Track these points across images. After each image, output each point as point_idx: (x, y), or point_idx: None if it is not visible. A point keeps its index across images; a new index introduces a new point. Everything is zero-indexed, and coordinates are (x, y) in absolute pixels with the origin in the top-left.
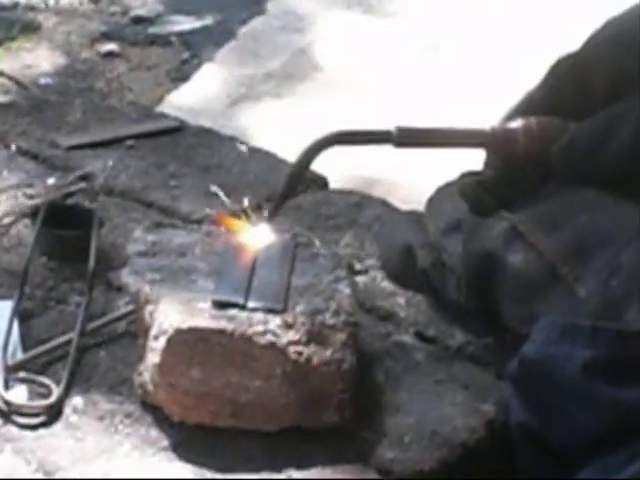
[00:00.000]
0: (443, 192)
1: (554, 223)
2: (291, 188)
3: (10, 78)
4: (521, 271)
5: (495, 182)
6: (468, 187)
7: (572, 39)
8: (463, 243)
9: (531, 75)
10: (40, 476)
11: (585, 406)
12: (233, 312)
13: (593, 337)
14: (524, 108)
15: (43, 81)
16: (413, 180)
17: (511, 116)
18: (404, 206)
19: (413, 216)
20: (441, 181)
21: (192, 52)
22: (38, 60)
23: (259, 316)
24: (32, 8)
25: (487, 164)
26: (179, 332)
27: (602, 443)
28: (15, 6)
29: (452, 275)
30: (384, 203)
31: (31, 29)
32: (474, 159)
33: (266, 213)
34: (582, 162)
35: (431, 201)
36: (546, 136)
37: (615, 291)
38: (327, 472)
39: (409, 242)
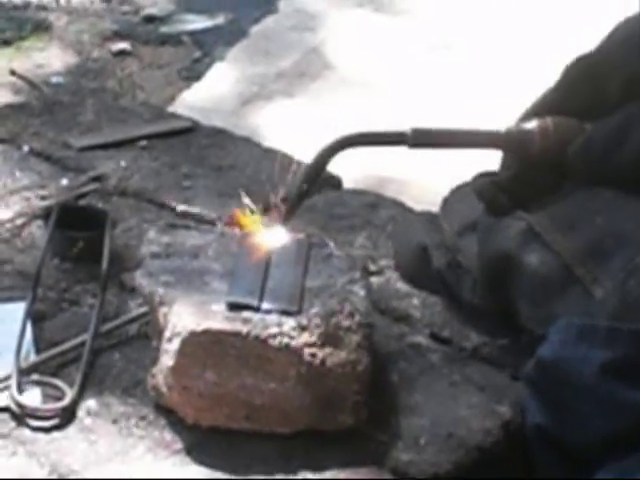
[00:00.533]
0: (458, 193)
1: (571, 224)
2: (305, 190)
3: (22, 78)
4: (538, 272)
5: (511, 182)
6: (484, 187)
7: (584, 37)
8: (479, 243)
9: (542, 74)
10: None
11: (602, 408)
12: (247, 314)
13: (610, 338)
14: (539, 109)
15: (55, 80)
16: (426, 180)
17: (526, 117)
18: (417, 206)
19: (427, 216)
20: (454, 181)
21: (204, 51)
22: (50, 59)
23: (273, 318)
24: (43, 7)
25: (503, 165)
26: (193, 334)
27: (618, 445)
28: (27, 6)
29: (467, 276)
30: (398, 203)
31: (43, 28)
32: (487, 159)
33: (280, 215)
34: (599, 162)
35: (446, 201)
36: (562, 136)
37: (633, 291)
38: (342, 474)
39: (424, 243)
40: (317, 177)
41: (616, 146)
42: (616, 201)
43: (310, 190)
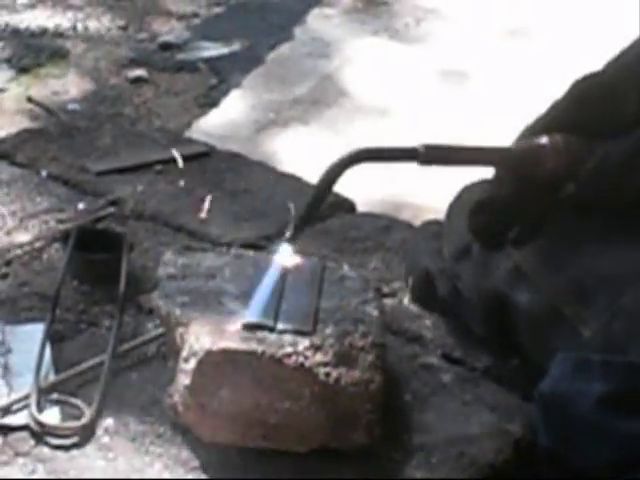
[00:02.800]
0: (461, 200)
1: (557, 263)
2: (316, 205)
3: (39, 104)
4: (528, 311)
5: (501, 203)
6: (473, 217)
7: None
8: (474, 278)
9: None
10: None
11: (600, 439)
12: (263, 334)
13: (605, 372)
14: (547, 125)
15: (71, 107)
16: (440, 204)
17: (531, 132)
18: None
19: (434, 229)
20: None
21: (220, 78)
22: (67, 86)
23: (288, 338)
24: (60, 35)
25: (496, 183)
26: (209, 354)
27: (621, 470)
28: (44, 33)
29: (468, 305)
30: (411, 227)
31: (59, 55)
32: None
33: (290, 231)
34: (611, 186)
35: (450, 211)
36: (573, 155)
37: (617, 333)
38: None
39: (428, 267)
40: (327, 193)
41: (630, 169)
42: (603, 239)
43: (320, 206)
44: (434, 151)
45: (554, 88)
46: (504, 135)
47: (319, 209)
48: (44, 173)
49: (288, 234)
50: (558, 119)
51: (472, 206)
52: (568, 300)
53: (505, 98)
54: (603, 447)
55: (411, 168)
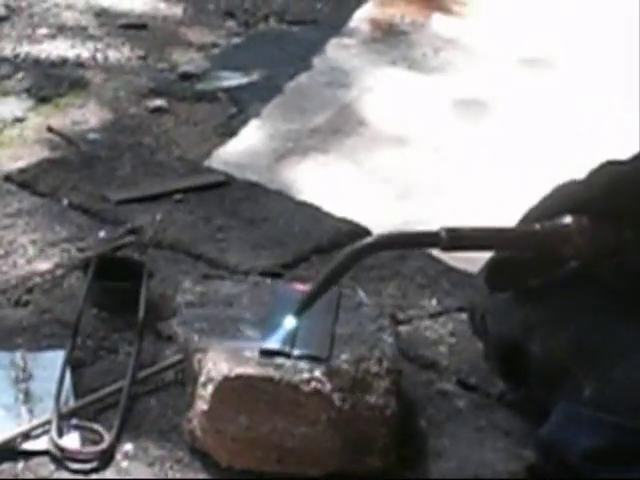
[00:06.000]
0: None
1: (563, 319)
2: (326, 287)
3: (59, 134)
4: (538, 361)
5: (521, 265)
6: (490, 273)
7: (617, 101)
8: (490, 325)
9: (574, 133)
10: None
11: None
12: (279, 360)
13: (593, 427)
14: (571, 205)
15: (92, 137)
16: None
17: (557, 211)
18: (447, 259)
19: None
20: None
21: (239, 107)
22: (87, 116)
23: (304, 364)
24: (81, 65)
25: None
26: (227, 379)
27: None
28: (64, 63)
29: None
30: (426, 255)
31: (80, 85)
32: (520, 204)
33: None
34: (637, 280)
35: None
36: (599, 238)
37: (609, 398)
38: None
39: (473, 300)
40: (340, 277)
41: None
42: (606, 304)
43: (330, 287)
44: (456, 235)
45: (572, 118)
46: (522, 165)
47: (329, 289)
48: (65, 202)
49: (296, 309)
50: (585, 202)
51: (490, 263)
52: (574, 357)
53: (523, 128)
54: None
55: (424, 196)
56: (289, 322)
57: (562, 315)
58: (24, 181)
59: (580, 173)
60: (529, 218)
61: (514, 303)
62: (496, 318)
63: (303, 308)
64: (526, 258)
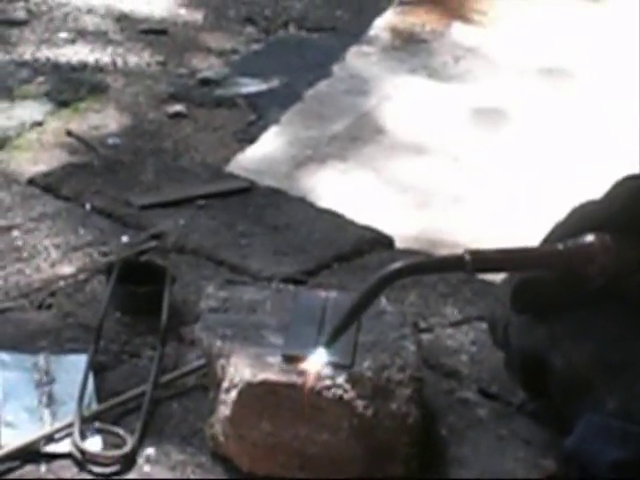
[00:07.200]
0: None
1: (586, 333)
2: (355, 317)
3: (78, 138)
4: (561, 375)
5: (547, 286)
6: (516, 294)
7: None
8: (512, 337)
9: (590, 142)
10: None
11: None
12: (302, 367)
13: (623, 439)
14: (591, 224)
15: (111, 141)
16: (477, 242)
17: (578, 230)
18: None
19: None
20: (505, 244)
21: (258, 114)
22: (106, 121)
23: (327, 371)
24: (100, 69)
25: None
26: (250, 385)
27: None
28: (84, 67)
29: (512, 353)
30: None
31: (99, 90)
32: (539, 217)
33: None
34: None
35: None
36: (622, 255)
37: (635, 413)
38: None
39: (494, 311)
40: (367, 307)
41: None
42: (629, 318)
43: (358, 318)
44: (480, 258)
45: (591, 128)
46: (540, 174)
47: (357, 319)
48: (88, 206)
49: (323, 340)
50: (605, 219)
51: (516, 283)
52: (597, 371)
53: (542, 137)
54: None
55: (443, 204)
56: (319, 354)
57: (585, 329)
58: (48, 185)
59: (598, 183)
60: (551, 238)
61: (537, 316)
62: (519, 330)
63: (333, 339)
64: (551, 279)
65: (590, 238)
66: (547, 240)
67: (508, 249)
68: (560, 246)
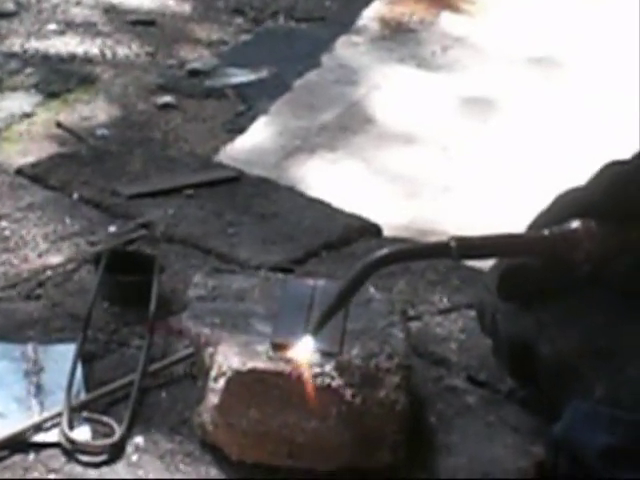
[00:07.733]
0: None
1: (573, 319)
2: (341, 304)
3: (68, 130)
4: (549, 362)
5: (533, 273)
6: (502, 281)
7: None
8: (500, 325)
9: (579, 131)
10: None
11: None
12: (290, 354)
13: (611, 426)
14: (575, 210)
15: (100, 132)
16: (466, 231)
17: (562, 217)
18: None
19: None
20: (494, 231)
21: (247, 104)
22: (95, 112)
23: (316, 359)
24: (89, 61)
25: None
26: (238, 374)
27: None
28: (73, 59)
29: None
30: None
31: (88, 81)
32: (530, 203)
33: (313, 326)
34: None
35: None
36: (607, 240)
37: (624, 399)
38: None
39: (482, 298)
40: (355, 292)
41: None
42: (616, 305)
43: (346, 304)
44: (466, 245)
45: (580, 117)
46: (529, 163)
47: (344, 306)
48: (76, 196)
49: (311, 328)
50: (590, 205)
51: (503, 271)
52: (584, 357)
53: (531, 126)
54: None
55: (431, 193)
56: (307, 342)
57: (572, 316)
58: (36, 175)
59: (587, 172)
60: (536, 225)
61: (524, 304)
62: (507, 318)
63: (319, 326)
64: (537, 266)
65: (575, 224)
66: (532, 227)
67: (493, 235)
68: (545, 232)
